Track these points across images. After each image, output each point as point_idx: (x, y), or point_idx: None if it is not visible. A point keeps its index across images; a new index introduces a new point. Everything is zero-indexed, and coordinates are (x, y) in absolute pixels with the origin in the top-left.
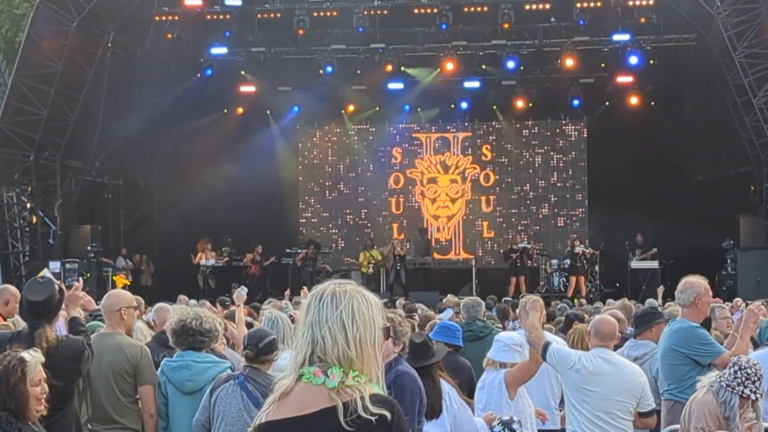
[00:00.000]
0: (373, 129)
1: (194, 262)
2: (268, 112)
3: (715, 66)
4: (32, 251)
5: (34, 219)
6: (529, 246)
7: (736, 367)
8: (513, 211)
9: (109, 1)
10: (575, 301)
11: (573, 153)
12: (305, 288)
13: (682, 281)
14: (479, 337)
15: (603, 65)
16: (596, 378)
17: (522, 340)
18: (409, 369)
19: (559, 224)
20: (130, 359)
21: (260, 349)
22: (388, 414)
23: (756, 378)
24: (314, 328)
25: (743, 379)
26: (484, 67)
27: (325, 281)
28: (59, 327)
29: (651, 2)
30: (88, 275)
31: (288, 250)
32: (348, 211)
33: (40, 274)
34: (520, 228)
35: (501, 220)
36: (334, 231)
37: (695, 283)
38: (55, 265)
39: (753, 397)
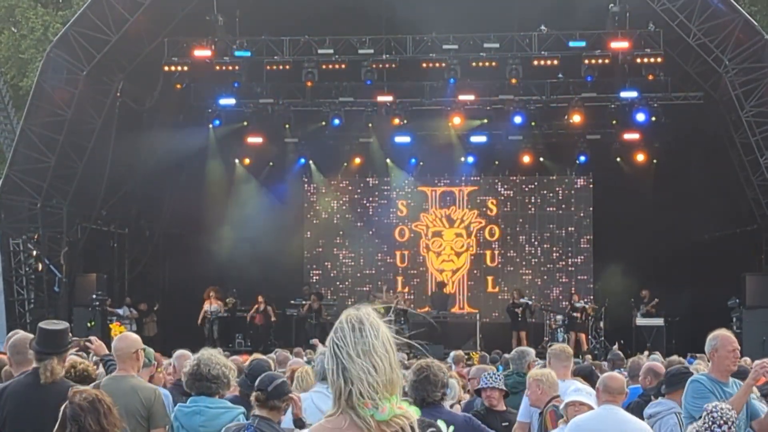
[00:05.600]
0: (379, 182)
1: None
2: (274, 164)
3: (722, 124)
4: (37, 299)
5: (40, 266)
6: (530, 302)
7: (705, 413)
8: (518, 266)
9: (118, 50)
10: (581, 357)
11: (579, 209)
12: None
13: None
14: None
15: (614, 122)
16: None
17: None
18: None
19: (563, 280)
20: (144, 402)
21: (270, 393)
22: None
23: (722, 421)
24: (361, 358)
25: (710, 423)
26: (490, 121)
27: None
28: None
29: (659, 60)
30: (93, 323)
31: (292, 302)
32: (353, 263)
33: None
34: (524, 283)
35: (506, 274)
36: (339, 283)
37: (713, 335)
38: None
39: None
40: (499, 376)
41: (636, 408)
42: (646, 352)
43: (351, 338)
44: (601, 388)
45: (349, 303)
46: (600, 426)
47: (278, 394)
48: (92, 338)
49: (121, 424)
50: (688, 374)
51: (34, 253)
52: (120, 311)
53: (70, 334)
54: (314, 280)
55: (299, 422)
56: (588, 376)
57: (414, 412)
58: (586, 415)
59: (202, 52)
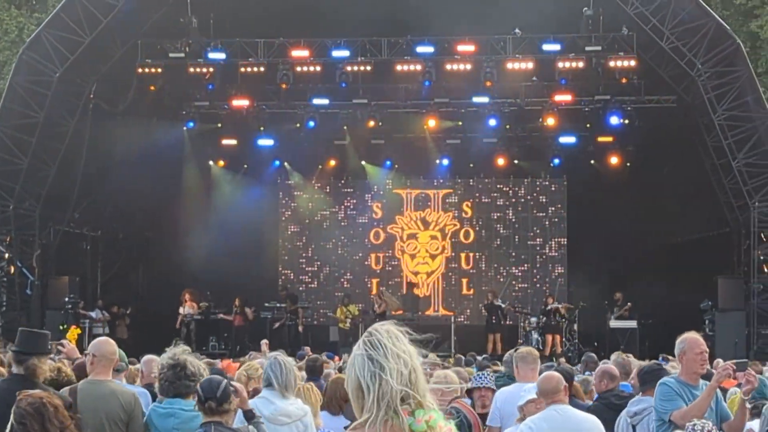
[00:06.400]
0: (355, 184)
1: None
2: (248, 166)
3: (694, 127)
4: (9, 302)
5: (12, 269)
6: (504, 305)
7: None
8: (492, 268)
9: (92, 52)
10: (555, 360)
11: (553, 211)
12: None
13: None
14: None
15: (588, 125)
16: None
17: None
18: None
19: (538, 282)
20: (124, 406)
21: (219, 398)
22: None
23: None
24: (398, 363)
25: None
26: (464, 124)
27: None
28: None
29: (632, 63)
30: (65, 326)
31: (267, 304)
32: (328, 266)
33: None
34: (498, 285)
35: (480, 277)
36: (313, 285)
37: (682, 338)
38: None
39: None
40: (490, 376)
41: (595, 411)
42: (618, 352)
43: (389, 343)
44: (538, 390)
45: (324, 304)
46: (549, 425)
47: (226, 396)
48: (64, 342)
49: (73, 425)
50: (661, 371)
51: (6, 255)
52: (93, 314)
53: (50, 340)
54: (290, 283)
55: (249, 414)
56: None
57: (453, 429)
58: (535, 416)
59: (176, 54)
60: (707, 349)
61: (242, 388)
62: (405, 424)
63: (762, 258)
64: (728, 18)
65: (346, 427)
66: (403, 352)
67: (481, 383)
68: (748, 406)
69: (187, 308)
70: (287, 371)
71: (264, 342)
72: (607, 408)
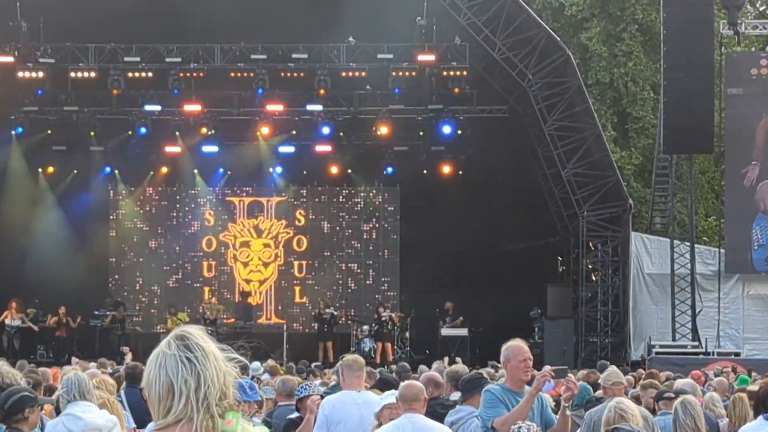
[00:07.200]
0: (187, 191)
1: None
2: (78, 172)
3: (526, 137)
4: None
5: None
6: (336, 313)
7: None
8: (325, 276)
9: None
10: (386, 367)
11: (386, 220)
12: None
13: None
14: None
15: (421, 133)
16: None
17: None
18: None
19: (371, 290)
20: None
21: (8, 410)
22: None
23: None
24: (211, 361)
25: None
26: (298, 132)
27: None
28: None
29: (464, 73)
30: None
31: (96, 312)
32: (159, 274)
33: None
34: (331, 293)
35: (313, 285)
36: (144, 293)
37: (506, 346)
38: None
39: None
40: (315, 384)
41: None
42: (446, 359)
43: (204, 344)
44: (398, 396)
45: (154, 313)
46: None
47: (17, 407)
48: None
49: None
50: (482, 379)
51: None
52: None
53: None
54: (120, 291)
55: None
56: (391, 387)
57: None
58: (388, 425)
59: (5, 58)
60: (531, 357)
61: None
62: (219, 426)
63: (590, 266)
64: (559, 30)
65: None
66: (218, 354)
67: (310, 391)
68: (569, 413)
69: (15, 320)
70: (85, 385)
71: (125, 348)
72: (432, 416)
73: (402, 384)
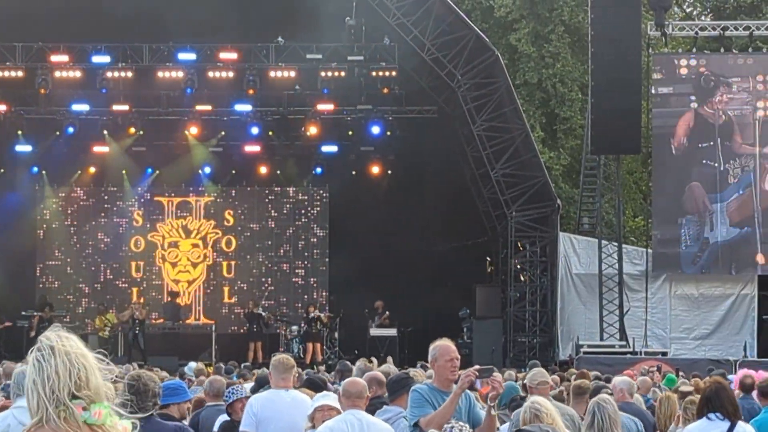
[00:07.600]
0: (115, 191)
1: None
2: (5, 172)
3: (455, 138)
4: None
5: None
6: (265, 313)
7: None
8: (254, 276)
9: None
10: (315, 368)
11: (315, 220)
12: None
13: None
14: None
15: (350, 133)
16: None
17: None
18: None
19: (299, 290)
20: None
21: None
22: None
23: None
24: (64, 362)
25: None
26: (226, 132)
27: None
28: None
29: (393, 74)
30: None
31: (24, 313)
32: (87, 274)
33: None
34: (259, 293)
35: (242, 285)
36: (73, 294)
37: (434, 346)
38: None
39: None
40: (243, 388)
41: None
42: (373, 359)
43: (56, 344)
44: (341, 393)
45: (82, 313)
46: (345, 428)
47: None
48: None
49: None
50: (408, 379)
51: None
52: None
53: None
54: (47, 291)
55: None
56: (317, 388)
57: (127, 427)
58: (331, 421)
59: None
60: (458, 356)
61: None
62: (79, 418)
63: (519, 267)
64: (488, 30)
65: None
66: (72, 351)
67: (241, 395)
68: (494, 412)
69: None
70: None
71: None
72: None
73: (346, 381)
